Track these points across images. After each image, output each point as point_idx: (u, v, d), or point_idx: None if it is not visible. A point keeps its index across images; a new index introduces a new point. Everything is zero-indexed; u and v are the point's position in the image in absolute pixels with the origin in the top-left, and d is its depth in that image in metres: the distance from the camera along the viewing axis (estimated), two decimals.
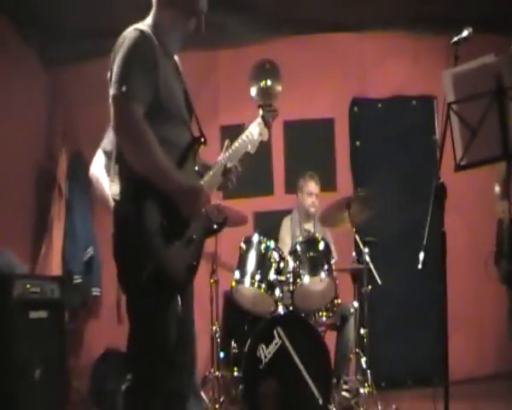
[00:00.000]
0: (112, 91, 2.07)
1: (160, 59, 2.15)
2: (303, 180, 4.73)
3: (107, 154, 3.34)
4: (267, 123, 2.64)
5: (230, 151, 2.44)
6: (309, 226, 4.72)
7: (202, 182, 2.30)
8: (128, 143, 2.08)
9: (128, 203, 2.08)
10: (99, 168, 3.42)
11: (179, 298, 2.20)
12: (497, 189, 3.58)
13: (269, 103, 2.70)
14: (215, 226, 2.35)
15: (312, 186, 4.68)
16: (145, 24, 2.25)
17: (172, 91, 2.23)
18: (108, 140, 3.32)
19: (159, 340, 2.13)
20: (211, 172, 2.36)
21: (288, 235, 4.70)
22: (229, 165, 2.40)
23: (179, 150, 2.23)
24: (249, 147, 2.54)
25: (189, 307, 2.37)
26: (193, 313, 2.49)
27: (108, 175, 3.14)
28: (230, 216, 3.57)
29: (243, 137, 2.52)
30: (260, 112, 2.65)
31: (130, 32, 2.15)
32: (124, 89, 2.04)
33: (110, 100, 2.08)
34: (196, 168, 2.32)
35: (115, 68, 2.10)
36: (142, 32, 2.15)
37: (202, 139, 2.33)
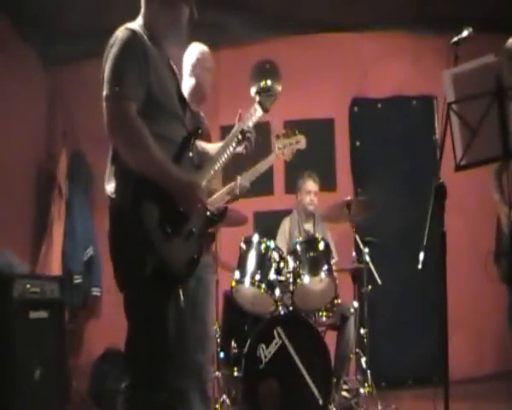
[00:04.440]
0: (104, 92, 2.09)
1: (151, 56, 2.17)
2: (302, 180, 4.74)
3: None
4: (265, 108, 2.65)
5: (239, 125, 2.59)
6: (309, 227, 4.72)
7: (204, 176, 2.34)
8: (123, 141, 2.09)
9: (124, 201, 2.08)
10: None
11: (181, 292, 2.20)
12: (492, 180, 3.60)
13: (267, 88, 2.70)
14: (214, 217, 2.36)
15: (310, 184, 4.69)
16: (136, 23, 2.27)
17: (166, 88, 2.24)
18: None
19: (159, 335, 2.13)
20: (215, 154, 2.47)
21: (283, 241, 4.65)
22: (246, 128, 2.56)
23: (175, 145, 2.24)
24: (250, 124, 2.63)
25: (199, 304, 2.39)
26: (209, 312, 2.51)
27: None
28: (230, 216, 3.57)
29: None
30: (257, 98, 2.65)
31: (120, 32, 2.17)
32: (116, 89, 2.05)
33: (103, 100, 2.09)
34: (194, 162, 2.33)
35: (107, 68, 2.12)
36: (132, 30, 2.16)
37: (200, 131, 2.35)
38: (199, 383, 2.82)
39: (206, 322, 2.92)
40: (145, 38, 2.19)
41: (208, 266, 2.96)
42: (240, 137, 2.56)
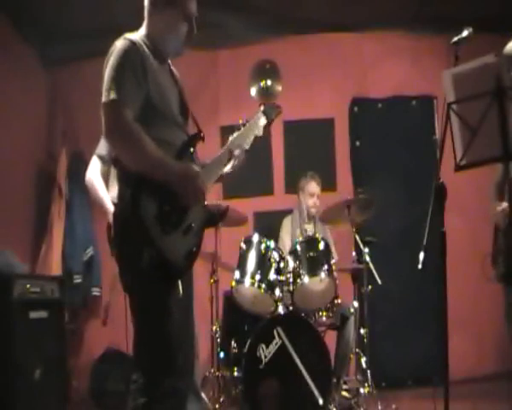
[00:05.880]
0: (102, 99, 2.15)
1: (149, 66, 2.23)
2: (304, 181, 4.73)
3: (102, 159, 3.38)
4: (269, 119, 2.70)
5: (232, 139, 2.57)
6: (309, 227, 4.72)
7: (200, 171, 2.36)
8: (119, 143, 2.15)
9: (126, 203, 2.12)
10: (94, 174, 3.43)
11: (180, 285, 2.23)
12: (492, 191, 3.57)
13: (272, 101, 2.74)
14: (215, 214, 2.41)
15: (314, 187, 4.69)
16: (137, 34, 2.33)
17: (165, 95, 2.29)
18: (103, 145, 3.36)
19: (163, 333, 2.15)
20: (210, 164, 2.46)
21: (288, 235, 4.71)
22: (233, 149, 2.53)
23: (175, 148, 2.28)
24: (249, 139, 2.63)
25: (189, 307, 2.39)
26: (193, 315, 2.51)
27: (104, 180, 3.23)
28: (230, 216, 3.57)
29: (243, 128, 2.63)
30: (262, 108, 2.69)
31: (119, 42, 2.24)
32: (113, 96, 2.11)
33: (101, 107, 2.15)
34: (195, 162, 2.36)
35: (105, 76, 2.18)
36: (130, 41, 2.22)
37: (201, 134, 2.38)
38: (191, 381, 2.85)
39: (192, 323, 2.94)
40: (144, 48, 2.25)
41: None
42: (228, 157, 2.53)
